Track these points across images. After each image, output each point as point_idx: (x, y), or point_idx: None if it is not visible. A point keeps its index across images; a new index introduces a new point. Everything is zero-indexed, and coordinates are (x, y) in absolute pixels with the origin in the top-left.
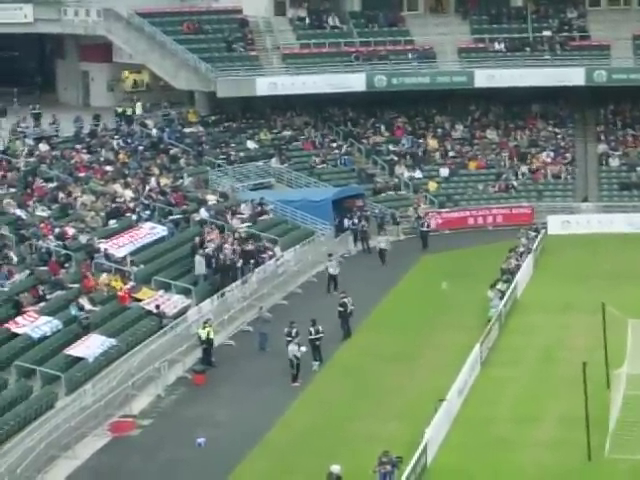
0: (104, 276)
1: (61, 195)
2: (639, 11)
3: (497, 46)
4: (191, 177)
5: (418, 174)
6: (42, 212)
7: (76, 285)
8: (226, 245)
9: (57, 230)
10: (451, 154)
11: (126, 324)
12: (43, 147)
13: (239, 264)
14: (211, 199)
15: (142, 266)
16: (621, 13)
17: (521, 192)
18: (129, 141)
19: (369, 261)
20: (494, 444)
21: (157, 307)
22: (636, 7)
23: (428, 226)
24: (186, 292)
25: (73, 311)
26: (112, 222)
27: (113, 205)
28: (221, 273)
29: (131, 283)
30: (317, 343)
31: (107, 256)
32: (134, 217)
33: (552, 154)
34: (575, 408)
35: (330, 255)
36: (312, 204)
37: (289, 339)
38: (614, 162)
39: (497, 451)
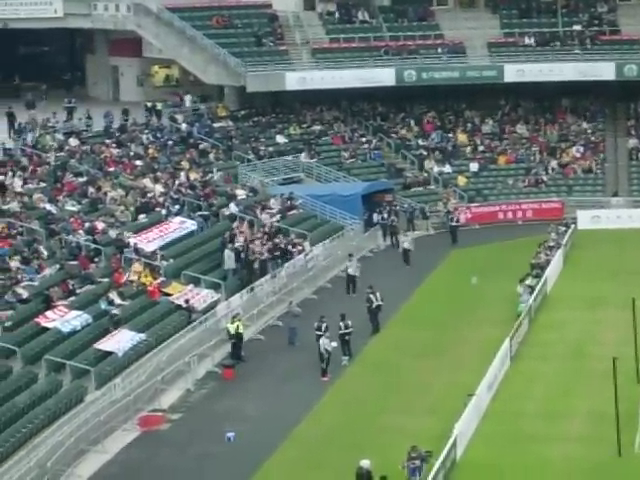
0: (136, 265)
1: (91, 190)
2: None
3: (527, 40)
4: (220, 172)
5: (447, 169)
6: (72, 207)
7: (106, 279)
8: (255, 240)
9: (87, 225)
10: (481, 149)
11: (155, 318)
12: (73, 142)
13: (265, 257)
14: (240, 194)
15: (171, 260)
16: None
17: (551, 187)
18: (159, 136)
19: (398, 256)
20: (524, 439)
21: (186, 301)
22: None
23: (457, 221)
24: (215, 287)
25: (103, 305)
26: (142, 217)
27: (143, 200)
28: (248, 268)
29: (161, 278)
30: (347, 338)
31: (137, 250)
32: (164, 212)
33: (582, 149)
34: (605, 403)
35: (350, 255)
36: (341, 199)
37: (319, 333)
38: None
39: (527, 446)
